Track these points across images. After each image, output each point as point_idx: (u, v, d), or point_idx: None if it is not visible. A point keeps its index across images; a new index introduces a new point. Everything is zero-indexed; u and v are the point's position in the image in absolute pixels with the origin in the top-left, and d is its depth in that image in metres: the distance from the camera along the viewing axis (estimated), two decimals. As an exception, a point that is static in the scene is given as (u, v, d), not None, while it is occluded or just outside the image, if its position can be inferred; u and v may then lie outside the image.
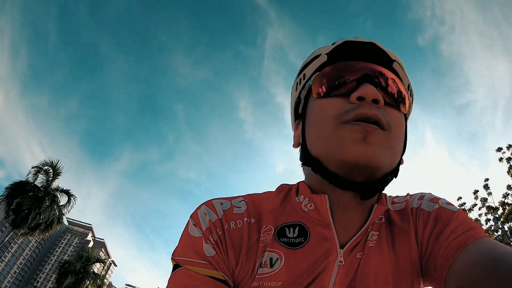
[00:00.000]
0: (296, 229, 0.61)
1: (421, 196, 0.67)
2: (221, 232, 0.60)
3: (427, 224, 0.61)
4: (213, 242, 0.58)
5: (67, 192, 18.82)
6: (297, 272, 0.58)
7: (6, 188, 17.13)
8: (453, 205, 0.64)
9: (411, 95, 0.64)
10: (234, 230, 0.60)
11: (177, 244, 0.61)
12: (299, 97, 0.67)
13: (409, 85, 0.63)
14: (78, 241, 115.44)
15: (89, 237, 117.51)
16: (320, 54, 0.63)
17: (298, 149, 0.68)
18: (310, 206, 0.61)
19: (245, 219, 0.62)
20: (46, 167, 18.33)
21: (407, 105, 0.61)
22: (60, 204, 18.42)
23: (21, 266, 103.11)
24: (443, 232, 0.58)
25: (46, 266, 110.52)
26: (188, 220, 0.62)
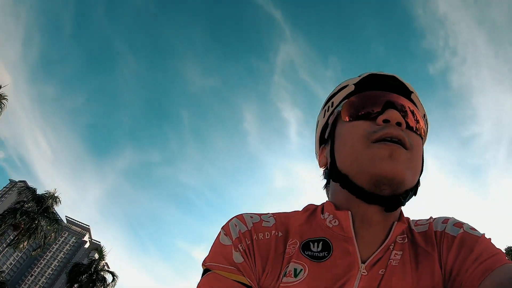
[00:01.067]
0: (320, 244, 0.65)
1: (445, 219, 0.69)
2: (249, 242, 0.64)
3: (452, 248, 0.62)
4: (241, 250, 0.63)
5: (112, 273, 23.28)
6: (319, 283, 0.60)
7: (66, 273, 22.22)
8: (477, 230, 0.65)
9: (427, 123, 0.71)
10: (262, 241, 0.65)
11: (208, 252, 0.66)
12: (326, 123, 0.74)
13: (424, 115, 0.71)
14: (75, 241, 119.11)
15: (86, 238, 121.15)
16: (348, 85, 0.71)
17: (320, 169, 0.78)
18: (334, 222, 0.66)
19: (273, 232, 0.67)
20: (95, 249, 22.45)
21: (423, 131, 0.68)
22: (107, 284, 22.91)
23: (17, 258, 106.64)
24: (468, 257, 0.59)
25: (41, 261, 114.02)
26: (220, 231, 0.68)
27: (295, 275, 0.62)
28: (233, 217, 0.70)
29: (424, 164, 0.68)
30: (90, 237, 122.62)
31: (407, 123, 0.63)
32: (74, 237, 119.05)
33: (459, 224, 0.67)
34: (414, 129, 0.65)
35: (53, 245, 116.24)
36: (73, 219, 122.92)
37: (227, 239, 0.65)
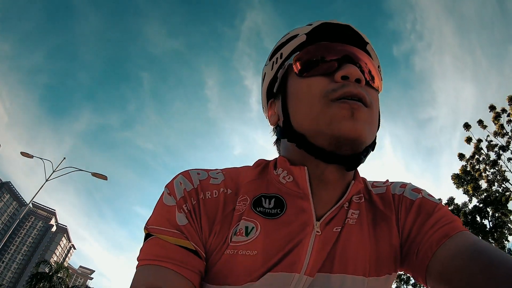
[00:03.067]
0: (272, 201, 0.62)
1: (403, 184, 0.70)
2: (195, 202, 0.60)
3: (410, 212, 0.63)
4: (186, 211, 0.58)
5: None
6: (273, 242, 0.58)
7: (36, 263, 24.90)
8: (434, 197, 0.66)
9: (381, 74, 0.69)
10: (210, 200, 0.61)
11: (150, 214, 0.61)
12: (275, 76, 0.68)
13: (379, 66, 0.68)
14: (42, 225, 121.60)
15: (52, 222, 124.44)
16: (298, 34, 0.65)
17: (273, 128, 0.73)
18: (289, 178, 0.63)
19: (222, 189, 0.63)
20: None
21: (380, 84, 0.66)
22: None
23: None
24: (426, 221, 0.60)
25: (11, 247, 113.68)
26: (163, 190, 0.62)
27: (246, 234, 0.58)
28: (179, 174, 0.64)
29: (380, 117, 0.67)
30: (56, 220, 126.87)
31: (365, 79, 0.61)
32: (40, 222, 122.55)
33: (417, 190, 0.67)
34: (372, 84, 0.63)
35: (21, 230, 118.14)
36: (39, 203, 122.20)
37: (171, 199, 0.60)
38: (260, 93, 0.77)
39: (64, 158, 15.30)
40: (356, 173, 0.67)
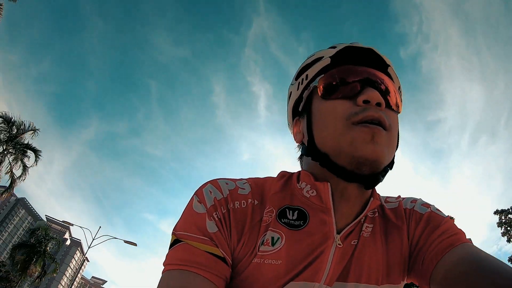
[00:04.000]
0: (296, 213, 0.65)
1: (414, 200, 0.75)
2: (225, 210, 0.62)
3: (419, 224, 0.68)
4: (216, 219, 0.60)
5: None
6: (296, 252, 0.61)
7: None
8: (442, 211, 0.72)
9: (401, 95, 0.72)
10: (239, 210, 0.63)
11: (179, 218, 0.63)
12: (301, 96, 0.71)
13: (399, 87, 0.71)
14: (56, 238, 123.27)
15: (67, 236, 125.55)
16: (323, 57, 0.68)
17: (296, 145, 0.77)
18: (312, 192, 0.66)
19: (249, 200, 0.65)
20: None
21: (400, 105, 0.68)
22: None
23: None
24: (433, 232, 0.65)
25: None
26: (192, 196, 0.65)
27: (273, 244, 0.61)
28: (207, 183, 0.67)
29: (399, 138, 0.69)
30: (70, 234, 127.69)
31: (386, 102, 0.63)
32: (55, 235, 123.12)
33: (426, 205, 0.72)
34: (392, 107, 0.65)
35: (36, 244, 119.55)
36: (53, 218, 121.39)
37: (201, 207, 0.62)
38: (286, 111, 0.80)
39: (100, 227, 20.97)
40: (374, 190, 0.69)
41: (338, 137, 0.61)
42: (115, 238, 18.10)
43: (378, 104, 0.61)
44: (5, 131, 17.67)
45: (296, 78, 0.74)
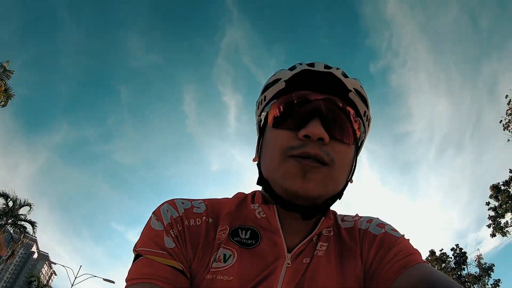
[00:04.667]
0: (248, 232, 0.68)
1: (370, 219, 0.75)
2: (181, 228, 0.65)
3: (373, 246, 0.68)
4: (173, 236, 0.63)
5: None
6: (247, 270, 0.63)
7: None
8: (398, 231, 0.72)
9: (368, 119, 0.70)
10: (193, 227, 0.66)
11: (138, 237, 0.65)
12: (260, 116, 0.73)
13: (365, 112, 0.69)
14: (24, 252, 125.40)
15: (34, 249, 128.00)
16: (280, 79, 0.68)
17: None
18: (262, 214, 0.68)
19: (204, 218, 0.68)
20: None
21: (358, 134, 0.67)
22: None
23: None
24: (387, 254, 0.65)
25: None
26: (151, 216, 0.67)
27: (224, 260, 0.63)
28: (164, 202, 0.69)
29: (355, 166, 0.69)
30: (37, 248, 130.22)
31: (333, 135, 0.62)
32: (22, 248, 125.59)
33: (381, 225, 0.73)
34: (341, 140, 0.64)
35: (3, 257, 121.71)
36: None
37: (158, 224, 0.64)
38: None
39: (81, 266, 22.81)
40: (328, 210, 0.71)
41: (274, 168, 0.63)
42: (95, 276, 20.36)
43: (321, 139, 0.60)
44: (4, 205, 21.45)
45: (260, 95, 0.74)
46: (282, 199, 0.63)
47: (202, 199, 0.73)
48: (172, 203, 0.69)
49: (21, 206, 22.75)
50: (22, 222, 22.57)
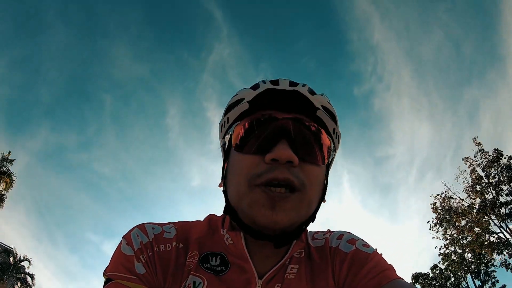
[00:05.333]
0: (218, 258, 0.66)
1: (340, 235, 0.73)
2: (151, 253, 0.64)
3: (344, 265, 0.67)
4: (143, 261, 0.62)
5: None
6: None
7: None
8: (370, 246, 0.70)
9: (337, 137, 0.68)
10: (163, 252, 0.65)
11: (109, 261, 0.64)
12: (223, 139, 0.70)
13: (334, 129, 0.66)
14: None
15: (11, 260, 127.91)
16: (243, 99, 0.65)
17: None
18: (230, 240, 0.67)
19: (174, 243, 0.67)
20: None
21: (326, 154, 0.65)
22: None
23: None
24: (359, 272, 0.64)
25: None
26: (121, 240, 0.65)
27: None
28: (135, 227, 0.68)
29: (327, 186, 0.68)
30: (14, 258, 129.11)
31: (302, 156, 0.60)
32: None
33: (352, 241, 0.71)
34: (311, 161, 0.62)
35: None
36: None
37: (128, 249, 0.63)
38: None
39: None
40: (301, 234, 0.67)
41: (240, 196, 0.60)
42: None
43: (290, 162, 0.58)
44: (7, 260, 23.98)
45: (223, 116, 0.71)
46: (251, 228, 0.61)
47: (173, 223, 0.72)
48: (142, 227, 0.67)
49: (21, 261, 26.31)
50: (22, 275, 26.02)
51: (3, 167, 22.00)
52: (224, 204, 0.68)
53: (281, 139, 0.59)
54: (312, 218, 0.65)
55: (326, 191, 0.68)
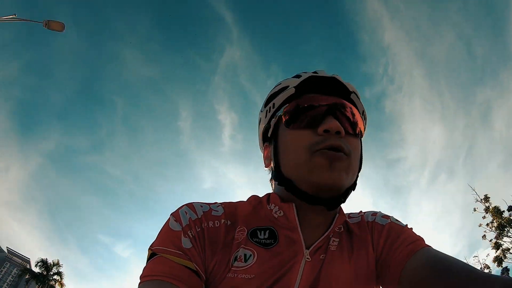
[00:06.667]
0: (267, 232, 0.71)
1: (374, 213, 0.83)
2: (199, 229, 0.67)
3: (382, 234, 0.75)
4: (191, 237, 0.65)
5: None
6: (268, 268, 0.66)
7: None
8: (401, 222, 0.80)
9: (365, 118, 0.78)
10: (212, 229, 0.69)
11: (156, 237, 0.67)
12: (269, 123, 0.78)
13: (363, 111, 0.77)
14: (16, 271, 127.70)
15: (38, 270, 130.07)
16: (288, 86, 0.75)
17: (265, 169, 0.85)
18: (280, 213, 0.72)
19: (222, 220, 0.71)
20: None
21: (362, 130, 0.76)
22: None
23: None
24: (395, 242, 0.72)
25: None
26: (169, 217, 0.70)
27: (245, 260, 0.66)
28: (183, 205, 0.72)
29: (362, 159, 0.76)
30: (30, 267, 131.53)
31: (346, 129, 0.69)
32: (15, 268, 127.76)
33: (386, 216, 0.81)
34: (352, 133, 0.72)
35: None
36: (13, 251, 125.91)
37: (177, 225, 0.67)
38: (257, 136, 0.88)
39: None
40: (341, 208, 0.77)
41: (300, 165, 0.68)
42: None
43: (338, 133, 0.67)
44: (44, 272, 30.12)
45: (265, 105, 0.81)
46: (307, 195, 0.68)
47: (220, 203, 0.77)
48: (191, 205, 0.72)
49: (53, 266, 32.75)
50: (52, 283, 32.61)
51: (56, 274, 29.77)
52: (276, 180, 0.76)
53: (328, 115, 0.69)
54: (354, 185, 0.73)
55: (362, 162, 0.76)
